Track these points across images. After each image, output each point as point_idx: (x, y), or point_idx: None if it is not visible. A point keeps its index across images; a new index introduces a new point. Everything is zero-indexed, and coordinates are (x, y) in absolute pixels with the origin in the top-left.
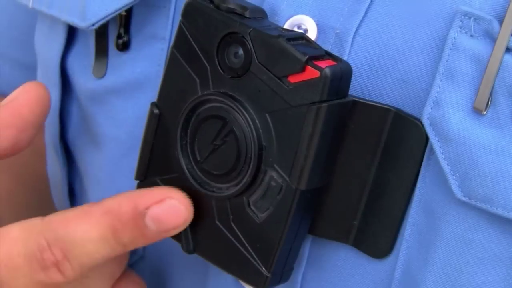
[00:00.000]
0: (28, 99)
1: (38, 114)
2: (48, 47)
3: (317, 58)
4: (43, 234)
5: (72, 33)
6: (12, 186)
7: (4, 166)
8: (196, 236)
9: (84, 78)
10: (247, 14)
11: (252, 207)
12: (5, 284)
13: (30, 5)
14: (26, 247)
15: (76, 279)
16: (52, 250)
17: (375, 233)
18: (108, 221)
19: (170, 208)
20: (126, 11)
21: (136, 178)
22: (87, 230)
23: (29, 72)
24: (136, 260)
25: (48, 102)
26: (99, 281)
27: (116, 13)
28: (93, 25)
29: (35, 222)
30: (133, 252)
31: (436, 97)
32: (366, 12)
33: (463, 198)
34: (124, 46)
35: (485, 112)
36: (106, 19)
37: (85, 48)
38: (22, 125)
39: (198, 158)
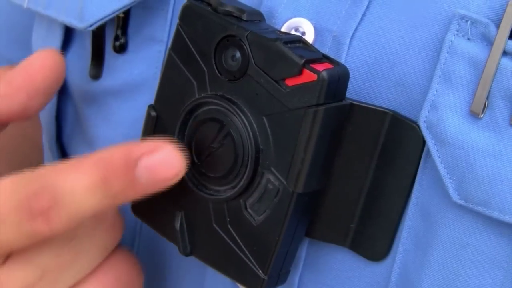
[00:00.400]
0: (42, 66)
1: (50, 82)
2: (46, 48)
3: (314, 61)
4: (32, 182)
5: (69, 34)
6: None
7: (2, 155)
8: (193, 239)
9: (79, 80)
10: (244, 17)
11: (249, 210)
12: None
13: (25, 5)
14: (15, 196)
15: (63, 233)
16: (40, 197)
17: (372, 236)
18: (99, 170)
19: (164, 157)
20: (124, 12)
21: None
22: (77, 178)
23: None
24: None
25: (63, 71)
26: (90, 249)
27: (114, 14)
28: (90, 26)
29: (27, 173)
30: None
31: (433, 100)
32: (364, 15)
33: (460, 202)
34: (121, 48)
35: (481, 116)
36: (104, 20)
37: (82, 50)
38: (33, 91)
39: (195, 161)
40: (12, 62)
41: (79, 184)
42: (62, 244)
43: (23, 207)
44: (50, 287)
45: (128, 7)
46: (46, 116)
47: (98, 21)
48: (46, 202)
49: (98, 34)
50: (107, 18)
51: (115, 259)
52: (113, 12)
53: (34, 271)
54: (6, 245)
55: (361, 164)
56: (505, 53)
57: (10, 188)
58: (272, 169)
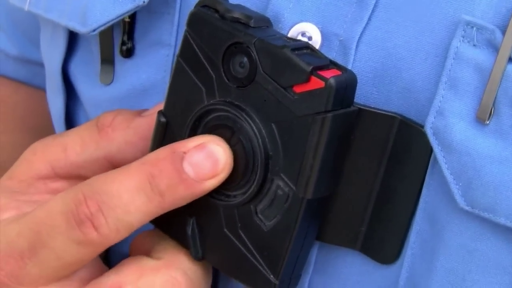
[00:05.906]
0: None
1: None
2: (51, 52)
3: (322, 68)
4: (81, 188)
5: (73, 38)
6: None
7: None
8: (204, 243)
9: (88, 85)
10: (251, 23)
11: (260, 215)
12: (45, 244)
13: (26, 8)
14: (64, 203)
15: (112, 239)
16: (87, 203)
17: (382, 239)
18: (145, 170)
19: (209, 153)
20: (129, 17)
21: None
22: (123, 181)
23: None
24: None
25: None
26: None
27: (118, 19)
28: (93, 30)
29: (75, 185)
30: None
31: (439, 106)
32: (369, 19)
33: (466, 208)
34: (128, 53)
35: (488, 122)
36: (107, 25)
37: (88, 54)
38: None
39: None
40: (24, 58)
41: (125, 186)
42: None
43: (72, 214)
44: None
45: (132, 12)
46: (56, 121)
47: (101, 26)
48: (93, 206)
49: (107, 39)
50: (110, 23)
51: None
52: (117, 17)
53: None
54: (63, 260)
55: (370, 168)
56: (511, 59)
57: (60, 196)
58: (282, 175)
